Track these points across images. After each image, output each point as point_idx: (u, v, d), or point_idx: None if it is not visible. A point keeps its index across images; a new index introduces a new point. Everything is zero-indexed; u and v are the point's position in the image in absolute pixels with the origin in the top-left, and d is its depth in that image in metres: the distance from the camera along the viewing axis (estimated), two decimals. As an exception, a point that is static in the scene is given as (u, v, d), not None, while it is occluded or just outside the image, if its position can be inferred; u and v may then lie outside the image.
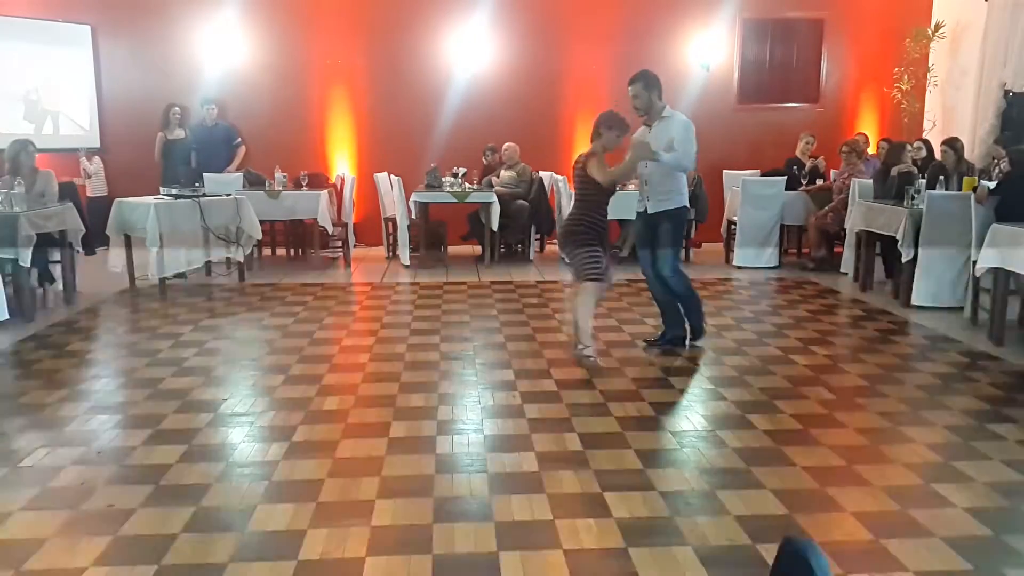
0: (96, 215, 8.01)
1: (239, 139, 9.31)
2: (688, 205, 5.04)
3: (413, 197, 8.14)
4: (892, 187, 6.93)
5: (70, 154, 9.15)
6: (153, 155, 8.98)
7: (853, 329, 5.71)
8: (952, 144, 6.99)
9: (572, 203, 5.09)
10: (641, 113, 4.95)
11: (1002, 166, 6.82)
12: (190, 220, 6.98)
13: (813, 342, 5.28)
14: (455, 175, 8.46)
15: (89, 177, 9.15)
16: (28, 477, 3.20)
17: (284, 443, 3.53)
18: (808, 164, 8.66)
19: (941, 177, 6.81)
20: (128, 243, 6.93)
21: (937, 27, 9.43)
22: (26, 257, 5.68)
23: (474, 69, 9.57)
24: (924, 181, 6.83)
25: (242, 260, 7.53)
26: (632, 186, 8.67)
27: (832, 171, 8.74)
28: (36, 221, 5.87)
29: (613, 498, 2.99)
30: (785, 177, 8.19)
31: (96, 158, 9.26)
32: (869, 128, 9.90)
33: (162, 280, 6.91)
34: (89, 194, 9.04)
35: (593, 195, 4.76)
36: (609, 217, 9.15)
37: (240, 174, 8.73)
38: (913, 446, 3.53)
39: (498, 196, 8.14)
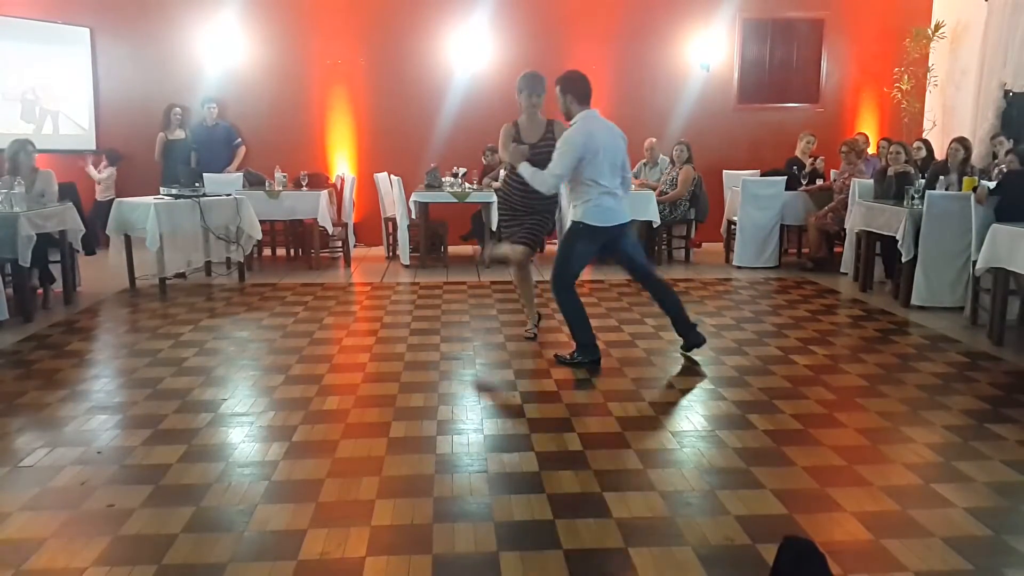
0: (101, 218, 8.02)
1: (239, 139, 9.32)
2: (589, 224, 4.55)
3: (413, 197, 8.14)
4: (890, 187, 6.93)
5: (69, 155, 9.16)
6: (152, 155, 9.02)
7: (853, 329, 5.71)
8: (963, 142, 6.99)
9: None
10: (565, 117, 4.70)
11: (1003, 166, 6.82)
12: (190, 220, 6.98)
13: (813, 342, 5.29)
14: (455, 175, 8.46)
15: (99, 184, 9.18)
16: (28, 477, 3.20)
17: (284, 443, 3.53)
18: (808, 165, 8.66)
19: (941, 177, 6.81)
20: (128, 243, 6.94)
21: (937, 27, 9.44)
22: (26, 257, 5.69)
23: (474, 69, 9.57)
24: (924, 181, 6.84)
25: (242, 260, 7.53)
26: (633, 185, 8.68)
27: (832, 171, 8.74)
28: (36, 221, 5.87)
29: (613, 498, 2.99)
30: (785, 177, 8.20)
31: (107, 166, 9.26)
32: (869, 128, 9.91)
33: (162, 280, 6.92)
34: (97, 197, 9.09)
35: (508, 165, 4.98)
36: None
37: (240, 174, 8.74)
38: (913, 446, 3.53)
39: (497, 196, 8.14)
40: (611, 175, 4.52)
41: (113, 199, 8.95)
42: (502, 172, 8.62)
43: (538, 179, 4.56)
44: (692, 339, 4.81)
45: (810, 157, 8.73)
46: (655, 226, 8.22)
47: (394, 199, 8.39)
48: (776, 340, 5.34)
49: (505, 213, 5.26)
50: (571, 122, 4.59)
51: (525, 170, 4.64)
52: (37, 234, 5.80)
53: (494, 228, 8.14)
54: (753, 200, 8.08)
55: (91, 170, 9.18)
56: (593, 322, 5.49)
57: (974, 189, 5.84)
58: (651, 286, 4.84)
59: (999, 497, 3.03)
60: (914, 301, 6.21)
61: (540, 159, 4.71)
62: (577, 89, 4.57)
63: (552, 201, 5.10)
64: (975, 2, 8.95)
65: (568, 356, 4.75)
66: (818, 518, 2.87)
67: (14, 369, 4.70)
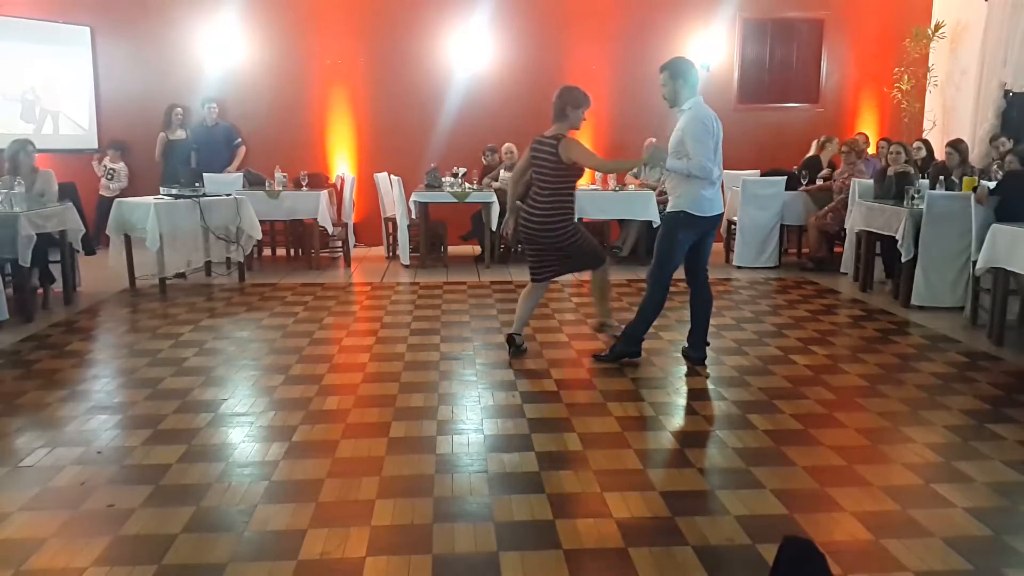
0: (105, 214, 8.03)
1: (239, 139, 9.31)
2: (691, 213, 4.44)
3: (413, 197, 8.14)
4: (890, 187, 6.93)
5: (69, 155, 9.17)
6: (153, 155, 9.02)
7: (853, 329, 5.71)
8: (956, 146, 6.99)
9: (542, 194, 4.70)
10: (669, 104, 4.60)
11: (1004, 166, 6.82)
12: (190, 220, 6.98)
13: (813, 342, 5.28)
14: (455, 175, 8.46)
15: (111, 178, 9.18)
16: (28, 477, 3.20)
17: (284, 443, 3.53)
18: (825, 170, 8.59)
19: (942, 177, 6.81)
20: (128, 243, 6.94)
21: (937, 27, 9.44)
22: (26, 257, 5.69)
23: (474, 69, 9.57)
24: (925, 181, 6.83)
25: (242, 260, 7.53)
26: (633, 185, 8.69)
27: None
28: (36, 221, 5.87)
29: (613, 498, 2.99)
30: (785, 177, 8.19)
31: (119, 159, 9.29)
32: (869, 128, 9.90)
33: (162, 280, 6.92)
34: (103, 193, 9.08)
35: (572, 181, 4.74)
36: (609, 217, 8.99)
37: (240, 174, 8.74)
38: (913, 446, 3.53)
39: (497, 196, 8.14)
40: (714, 164, 4.46)
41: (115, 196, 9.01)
42: (502, 172, 8.65)
43: (695, 168, 4.36)
44: (696, 352, 4.75)
45: (828, 165, 8.65)
46: (655, 226, 8.21)
47: (394, 199, 8.39)
48: (776, 340, 5.34)
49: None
50: (681, 108, 4.49)
51: (679, 165, 4.43)
52: (37, 234, 5.79)
53: (494, 228, 8.15)
54: (753, 200, 8.08)
55: (106, 162, 9.20)
56: (592, 322, 5.50)
57: (974, 189, 5.84)
58: (699, 290, 4.73)
59: (999, 497, 3.04)
60: (914, 301, 6.21)
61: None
62: (691, 75, 4.48)
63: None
64: (975, 2, 8.95)
65: (607, 353, 4.78)
66: (818, 518, 2.87)
67: (14, 369, 4.70)
